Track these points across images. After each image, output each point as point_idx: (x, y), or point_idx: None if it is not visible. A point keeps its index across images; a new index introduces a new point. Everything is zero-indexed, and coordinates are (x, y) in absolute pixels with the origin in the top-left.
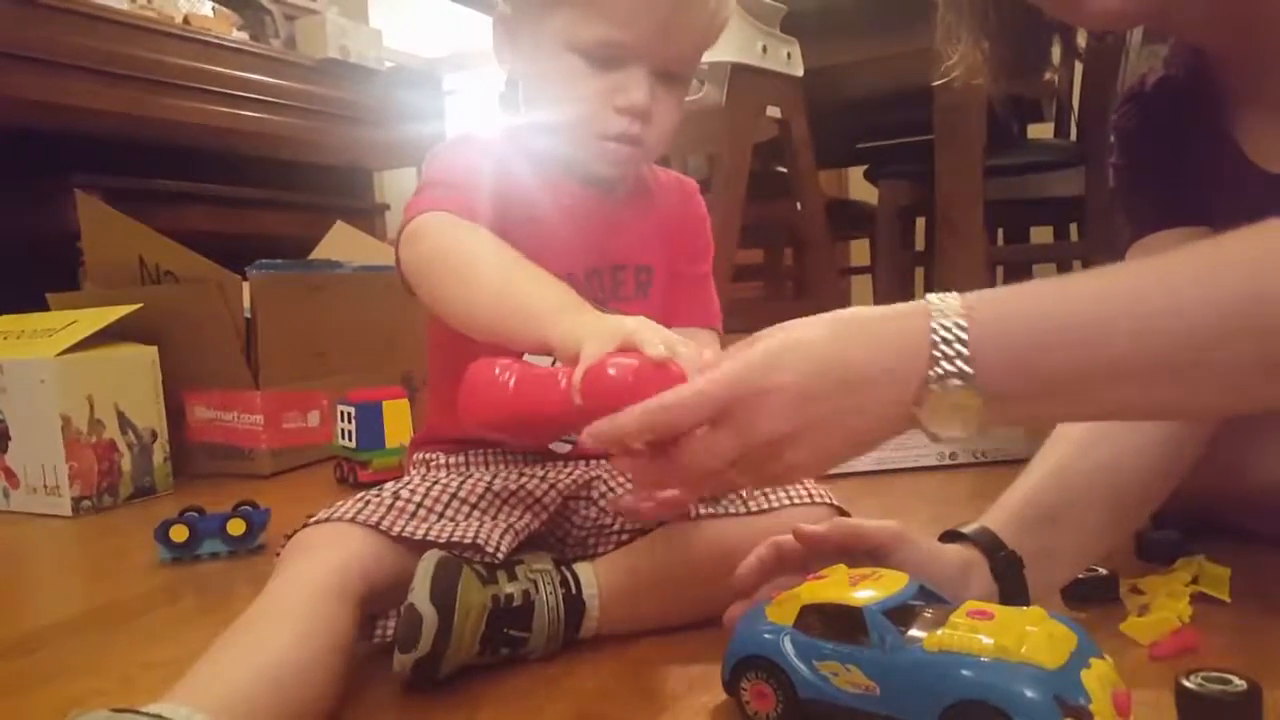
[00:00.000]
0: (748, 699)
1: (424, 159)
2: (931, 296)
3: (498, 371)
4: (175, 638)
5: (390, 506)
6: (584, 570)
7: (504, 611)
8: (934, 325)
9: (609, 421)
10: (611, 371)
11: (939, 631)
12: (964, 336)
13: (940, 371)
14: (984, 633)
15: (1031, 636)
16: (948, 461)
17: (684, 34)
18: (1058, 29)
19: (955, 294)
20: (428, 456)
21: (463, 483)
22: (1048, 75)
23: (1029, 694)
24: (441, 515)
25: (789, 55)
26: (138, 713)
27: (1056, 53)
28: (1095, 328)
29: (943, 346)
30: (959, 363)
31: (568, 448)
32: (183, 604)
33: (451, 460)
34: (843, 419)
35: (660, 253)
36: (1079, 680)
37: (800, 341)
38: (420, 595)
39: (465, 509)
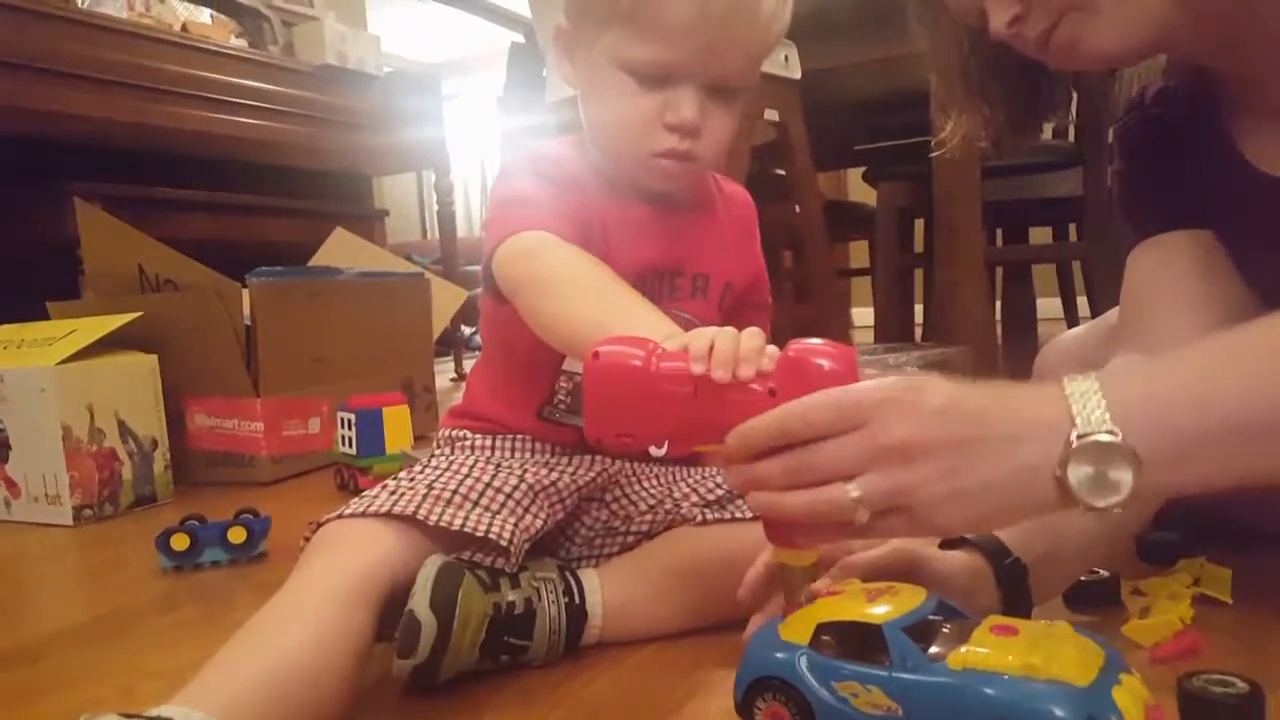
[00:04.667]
0: None
1: (426, 164)
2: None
3: (657, 370)
4: (176, 646)
5: (425, 496)
6: (589, 578)
7: (505, 619)
8: (1068, 390)
9: (749, 425)
10: (824, 364)
11: (962, 649)
12: (1100, 398)
13: (1084, 430)
14: (1010, 650)
15: (1060, 653)
16: None
17: (732, 52)
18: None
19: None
20: (456, 434)
21: (496, 473)
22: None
23: (1060, 714)
24: (476, 504)
25: (786, 58)
26: (145, 718)
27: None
28: (1226, 383)
29: (1081, 407)
30: (1099, 414)
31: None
32: (184, 612)
33: (480, 441)
34: (983, 455)
35: (720, 261)
36: (1111, 698)
37: (942, 380)
38: (420, 602)
39: (500, 498)
